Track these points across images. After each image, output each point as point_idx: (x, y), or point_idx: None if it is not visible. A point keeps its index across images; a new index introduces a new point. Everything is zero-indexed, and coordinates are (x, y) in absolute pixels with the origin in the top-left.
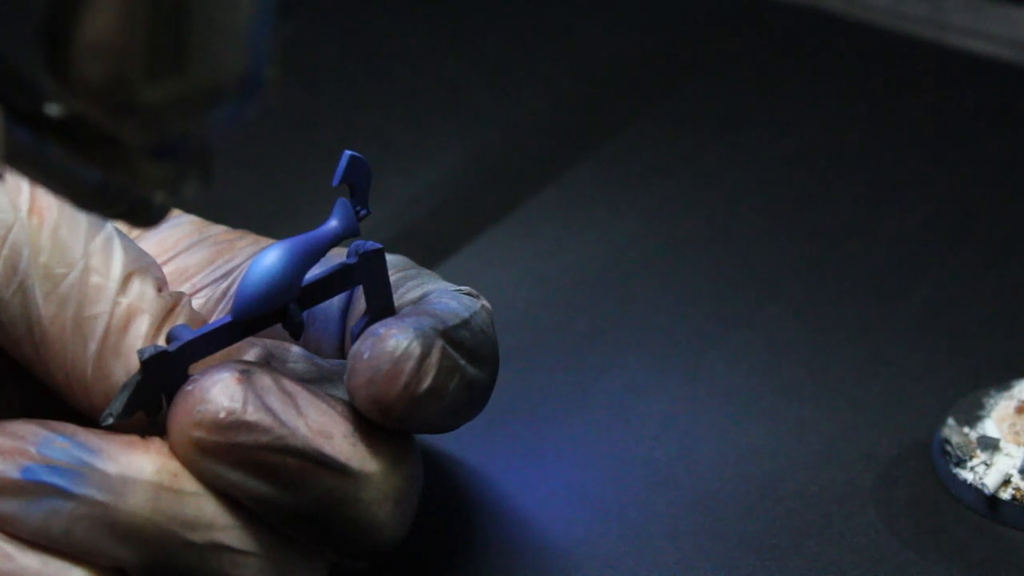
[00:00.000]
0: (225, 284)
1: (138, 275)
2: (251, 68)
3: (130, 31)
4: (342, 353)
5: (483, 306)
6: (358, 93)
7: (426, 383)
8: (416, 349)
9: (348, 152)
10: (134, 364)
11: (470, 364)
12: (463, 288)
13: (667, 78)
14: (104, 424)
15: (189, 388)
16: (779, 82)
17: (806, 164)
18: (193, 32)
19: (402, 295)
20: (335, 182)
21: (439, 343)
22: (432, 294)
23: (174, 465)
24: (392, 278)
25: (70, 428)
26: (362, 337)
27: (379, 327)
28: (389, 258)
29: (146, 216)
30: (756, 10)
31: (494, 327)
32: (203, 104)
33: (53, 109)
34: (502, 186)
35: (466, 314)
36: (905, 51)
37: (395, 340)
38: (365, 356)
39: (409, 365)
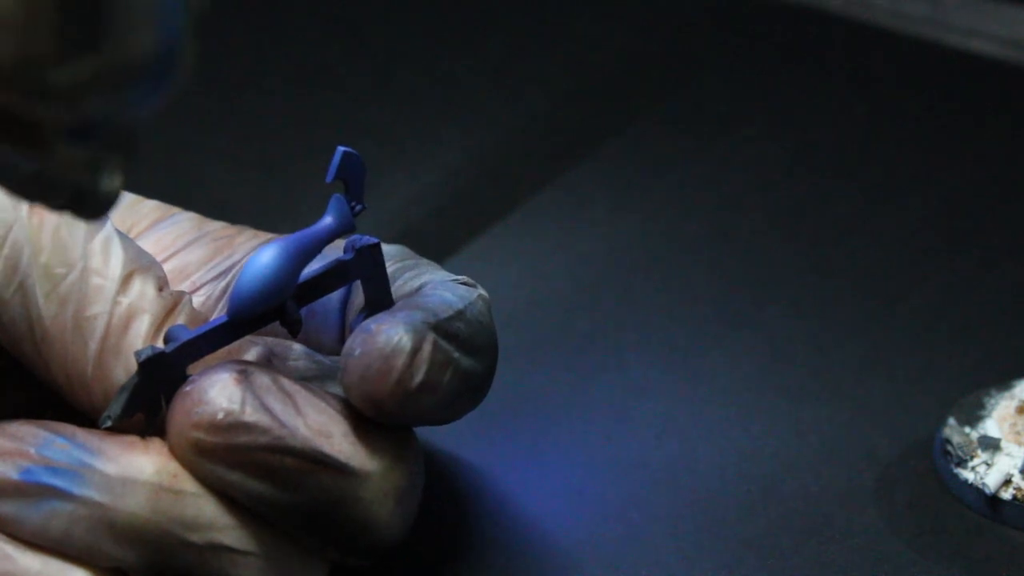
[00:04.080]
0: (225, 281)
1: (139, 274)
2: (166, 45)
3: (37, 8)
4: (342, 347)
5: (480, 295)
6: (359, 93)
7: (418, 378)
8: (407, 344)
9: (341, 148)
10: (134, 364)
11: (465, 355)
12: (460, 278)
13: (667, 78)
14: (103, 426)
15: (187, 389)
16: (779, 82)
17: (806, 164)
18: (104, 8)
19: (400, 286)
20: (328, 178)
21: (430, 336)
22: (427, 286)
23: (174, 466)
24: (390, 269)
25: (70, 429)
26: (354, 334)
27: (370, 323)
28: (387, 248)
29: (91, 206)
30: (756, 10)
31: (492, 316)
32: (119, 83)
33: None
34: (502, 186)
35: (460, 305)
36: (905, 51)
37: (386, 336)
38: (356, 353)
39: (400, 361)
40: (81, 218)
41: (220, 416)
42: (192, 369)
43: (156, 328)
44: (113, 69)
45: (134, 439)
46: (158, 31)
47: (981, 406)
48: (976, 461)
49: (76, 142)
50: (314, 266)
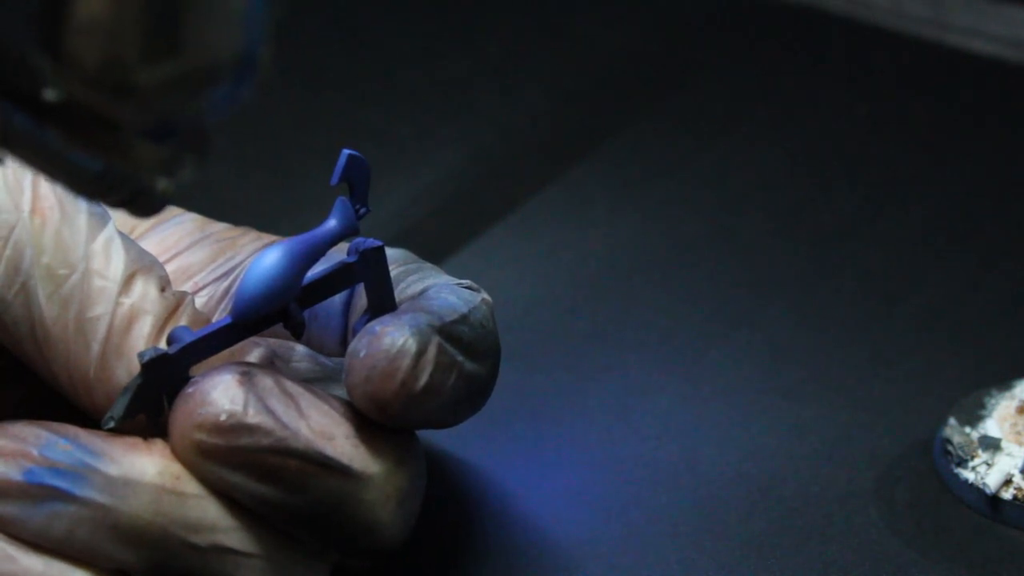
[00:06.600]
0: (227, 282)
1: (141, 275)
2: (246, 49)
3: (124, 11)
4: (345, 349)
5: (483, 300)
6: (359, 93)
7: (423, 380)
8: (412, 346)
9: (347, 151)
10: (137, 365)
11: (468, 359)
12: (463, 282)
13: (667, 78)
14: (106, 427)
15: (190, 390)
16: (779, 82)
17: (806, 164)
18: (188, 12)
19: (403, 290)
20: (334, 181)
21: (435, 339)
22: (431, 289)
23: (176, 467)
24: (393, 272)
25: (72, 430)
26: (359, 335)
27: (375, 325)
28: (390, 252)
29: (147, 204)
30: (756, 10)
31: (494, 321)
32: (199, 85)
33: (51, 93)
34: (502, 186)
35: (464, 309)
36: (905, 51)
37: (391, 338)
38: (362, 354)
39: (405, 362)
40: (136, 215)
41: (223, 418)
42: (195, 370)
43: (158, 329)
44: (193, 73)
45: (137, 440)
46: (238, 37)
47: (981, 406)
48: (976, 461)
49: (153, 142)
50: (318, 268)
